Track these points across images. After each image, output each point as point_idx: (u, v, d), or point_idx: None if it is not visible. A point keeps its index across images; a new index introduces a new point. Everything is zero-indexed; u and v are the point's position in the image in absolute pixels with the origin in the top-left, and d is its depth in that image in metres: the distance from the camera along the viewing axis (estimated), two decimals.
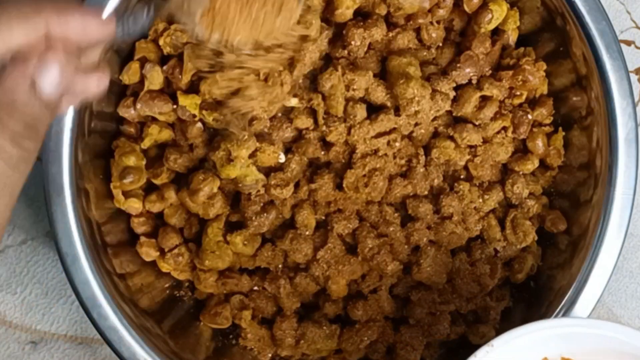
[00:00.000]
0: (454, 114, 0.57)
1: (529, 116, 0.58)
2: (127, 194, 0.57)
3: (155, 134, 0.56)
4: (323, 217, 0.57)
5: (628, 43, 0.65)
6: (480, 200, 0.57)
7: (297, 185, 0.56)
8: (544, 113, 0.58)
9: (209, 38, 0.44)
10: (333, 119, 0.55)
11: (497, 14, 0.57)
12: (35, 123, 0.32)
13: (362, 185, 0.55)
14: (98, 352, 0.62)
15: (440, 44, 0.58)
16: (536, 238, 0.59)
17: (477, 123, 0.57)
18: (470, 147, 0.57)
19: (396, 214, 0.57)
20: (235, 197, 0.57)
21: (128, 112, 0.56)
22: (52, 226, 0.52)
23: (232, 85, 0.51)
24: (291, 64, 0.55)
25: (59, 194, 0.52)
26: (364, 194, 0.55)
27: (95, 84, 0.37)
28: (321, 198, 0.56)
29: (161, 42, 0.56)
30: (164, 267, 0.58)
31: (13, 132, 0.31)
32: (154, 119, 0.57)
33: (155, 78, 0.56)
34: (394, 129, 0.56)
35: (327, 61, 0.57)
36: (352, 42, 0.55)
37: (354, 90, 0.55)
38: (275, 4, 0.44)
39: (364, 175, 0.56)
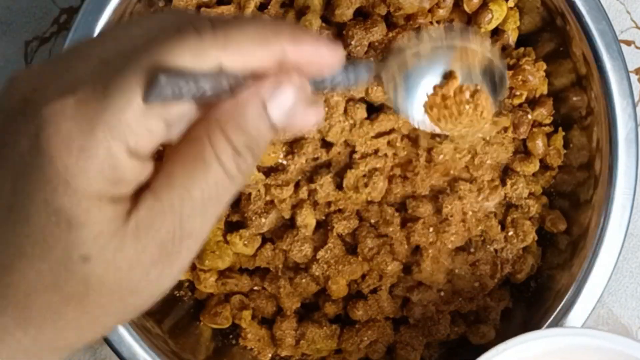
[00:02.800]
0: None
1: (529, 116, 0.58)
2: None
3: None
4: (323, 217, 0.57)
5: (628, 43, 0.65)
6: (481, 200, 0.57)
7: (297, 185, 0.56)
8: (544, 113, 0.58)
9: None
10: (333, 118, 0.55)
11: (497, 14, 0.57)
12: (255, 144, 0.31)
13: (362, 185, 0.55)
14: (98, 352, 0.62)
15: None
16: (536, 238, 0.59)
17: None
18: (470, 147, 0.57)
19: (396, 214, 0.57)
20: (235, 197, 0.57)
21: None
22: None
23: None
24: None
25: None
26: (364, 194, 0.55)
27: (314, 118, 0.35)
28: (321, 198, 0.56)
29: None
30: None
31: (234, 146, 0.31)
32: None
33: None
34: (394, 129, 0.56)
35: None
36: (352, 42, 0.55)
37: (354, 90, 0.55)
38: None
39: (364, 175, 0.56)
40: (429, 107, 0.45)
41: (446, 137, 0.57)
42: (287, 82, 0.32)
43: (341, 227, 0.56)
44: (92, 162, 0.28)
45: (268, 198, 0.56)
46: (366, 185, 0.56)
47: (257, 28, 0.31)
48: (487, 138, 0.58)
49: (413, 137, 0.57)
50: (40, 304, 0.29)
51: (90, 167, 0.28)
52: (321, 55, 0.33)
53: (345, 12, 0.55)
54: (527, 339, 0.49)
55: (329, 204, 0.56)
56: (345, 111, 0.55)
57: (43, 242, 0.29)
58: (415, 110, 0.45)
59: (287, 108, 0.32)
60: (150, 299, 0.32)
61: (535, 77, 0.57)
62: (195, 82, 0.29)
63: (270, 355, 0.59)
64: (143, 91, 0.28)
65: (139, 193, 0.30)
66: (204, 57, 0.30)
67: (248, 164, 0.32)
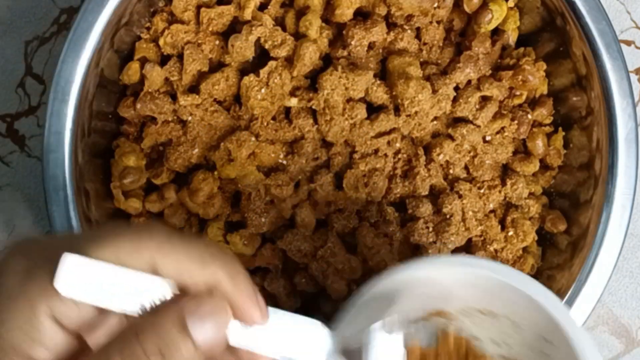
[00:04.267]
0: (454, 114, 0.57)
1: (529, 116, 0.58)
2: (127, 194, 0.57)
3: (155, 134, 0.56)
4: (323, 217, 0.57)
5: (628, 43, 0.65)
6: (480, 200, 0.57)
7: (297, 185, 0.56)
8: (544, 113, 0.58)
9: None
10: (333, 118, 0.55)
11: (497, 14, 0.57)
12: (169, 353, 0.30)
13: (362, 185, 0.55)
14: None
15: (440, 44, 0.58)
16: (536, 238, 0.59)
17: (477, 123, 0.57)
18: (470, 147, 0.57)
19: (396, 214, 0.57)
20: (235, 197, 0.57)
21: (128, 112, 0.57)
22: (52, 226, 0.52)
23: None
24: (291, 64, 0.55)
25: (58, 193, 0.52)
26: (364, 194, 0.55)
27: None
28: (321, 198, 0.56)
29: (161, 42, 0.56)
30: None
31: (144, 351, 0.30)
32: (153, 119, 0.57)
33: (155, 78, 0.56)
34: (394, 129, 0.56)
35: (327, 61, 0.57)
36: (352, 42, 0.55)
37: (354, 90, 0.55)
38: None
39: (364, 175, 0.56)
40: None
41: (449, 136, 0.57)
42: (209, 300, 0.31)
43: (341, 226, 0.56)
44: (15, 313, 0.30)
45: (268, 198, 0.56)
46: (366, 185, 0.56)
47: (201, 246, 0.32)
48: (488, 138, 0.58)
49: (413, 137, 0.57)
50: None
51: (12, 316, 0.30)
52: (247, 306, 0.33)
53: (345, 12, 0.55)
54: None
55: (329, 203, 0.56)
56: (345, 111, 0.55)
57: None
58: None
59: (209, 326, 0.31)
60: None
61: (535, 77, 0.57)
62: (109, 276, 0.30)
63: None
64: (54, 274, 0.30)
65: None
66: (140, 250, 0.31)
67: None
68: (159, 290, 0.31)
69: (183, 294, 0.32)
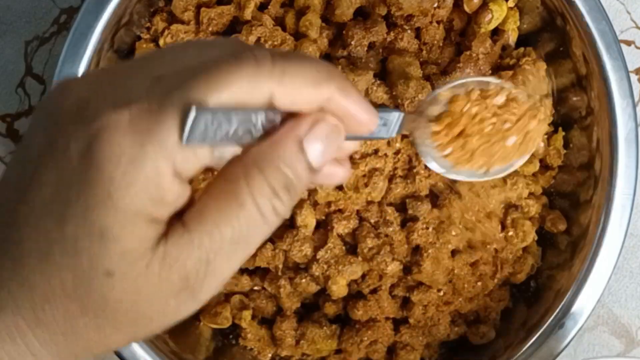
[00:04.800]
0: None
1: None
2: None
3: None
4: (323, 217, 0.57)
5: (628, 43, 0.65)
6: (480, 200, 0.57)
7: None
8: None
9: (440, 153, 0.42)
10: None
11: (497, 14, 0.57)
12: (292, 186, 0.31)
13: (362, 185, 0.55)
14: None
15: (440, 44, 0.58)
16: (536, 238, 0.59)
17: None
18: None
19: (396, 214, 0.57)
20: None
21: None
22: None
23: None
24: None
25: None
26: (364, 194, 0.55)
27: (341, 176, 0.35)
28: (321, 198, 0.56)
29: (161, 42, 0.56)
30: None
31: (272, 187, 0.30)
32: None
33: None
34: None
35: (327, 61, 0.57)
36: (352, 42, 0.55)
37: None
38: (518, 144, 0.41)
39: (364, 176, 0.56)
40: (435, 142, 0.41)
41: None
42: (324, 121, 0.31)
43: (341, 227, 0.56)
44: (138, 177, 0.28)
45: None
46: (366, 185, 0.56)
47: (313, 68, 0.31)
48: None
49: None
50: (57, 310, 0.29)
51: (136, 181, 0.28)
52: (362, 114, 0.33)
53: (345, 12, 0.55)
54: None
55: (329, 204, 0.56)
56: None
57: (72, 251, 0.28)
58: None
59: (323, 148, 0.31)
60: (162, 326, 0.31)
61: (535, 77, 0.57)
62: (229, 121, 0.29)
63: (270, 355, 0.59)
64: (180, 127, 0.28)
65: (171, 221, 0.30)
66: (259, 88, 0.30)
67: (285, 206, 0.31)
68: (272, 115, 0.31)
69: (294, 115, 0.31)
